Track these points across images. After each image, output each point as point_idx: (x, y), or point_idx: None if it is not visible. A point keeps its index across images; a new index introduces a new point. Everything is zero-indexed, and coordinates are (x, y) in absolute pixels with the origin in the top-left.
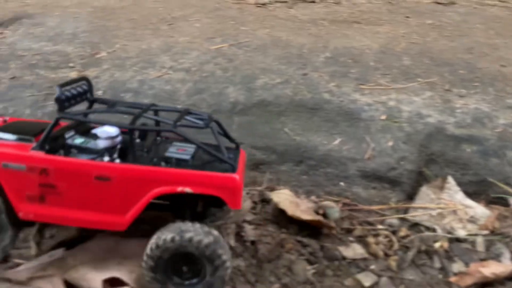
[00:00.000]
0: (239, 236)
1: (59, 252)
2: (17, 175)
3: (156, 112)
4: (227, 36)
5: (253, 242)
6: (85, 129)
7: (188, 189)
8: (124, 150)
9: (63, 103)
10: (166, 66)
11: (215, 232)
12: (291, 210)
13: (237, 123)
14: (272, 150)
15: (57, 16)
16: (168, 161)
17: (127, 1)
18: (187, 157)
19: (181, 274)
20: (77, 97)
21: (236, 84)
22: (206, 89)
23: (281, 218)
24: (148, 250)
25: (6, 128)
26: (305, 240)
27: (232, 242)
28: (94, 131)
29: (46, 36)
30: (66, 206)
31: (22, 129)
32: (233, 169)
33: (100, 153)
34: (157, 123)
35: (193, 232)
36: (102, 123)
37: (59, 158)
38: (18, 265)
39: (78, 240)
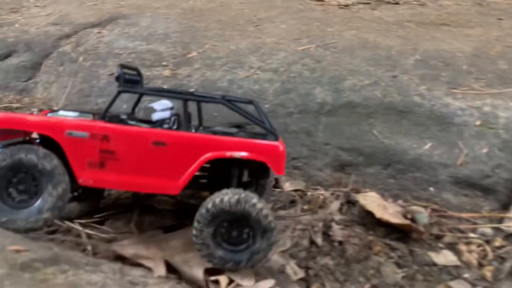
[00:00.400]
0: (326, 235)
1: (159, 233)
2: (79, 143)
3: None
4: (313, 37)
5: (340, 242)
6: (135, 118)
7: (236, 154)
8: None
9: (123, 80)
10: (254, 66)
11: (259, 197)
12: (379, 213)
13: (324, 124)
14: (359, 152)
15: (149, 17)
16: (216, 133)
17: (214, 3)
18: (233, 131)
19: (229, 240)
20: (131, 82)
21: (324, 84)
22: (294, 89)
23: (368, 220)
24: (198, 216)
25: (67, 108)
26: (394, 243)
27: (319, 240)
28: (151, 105)
29: (140, 36)
30: (124, 172)
31: (82, 109)
32: (276, 139)
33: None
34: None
35: (239, 194)
36: (160, 95)
37: (120, 125)
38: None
39: (175, 227)
